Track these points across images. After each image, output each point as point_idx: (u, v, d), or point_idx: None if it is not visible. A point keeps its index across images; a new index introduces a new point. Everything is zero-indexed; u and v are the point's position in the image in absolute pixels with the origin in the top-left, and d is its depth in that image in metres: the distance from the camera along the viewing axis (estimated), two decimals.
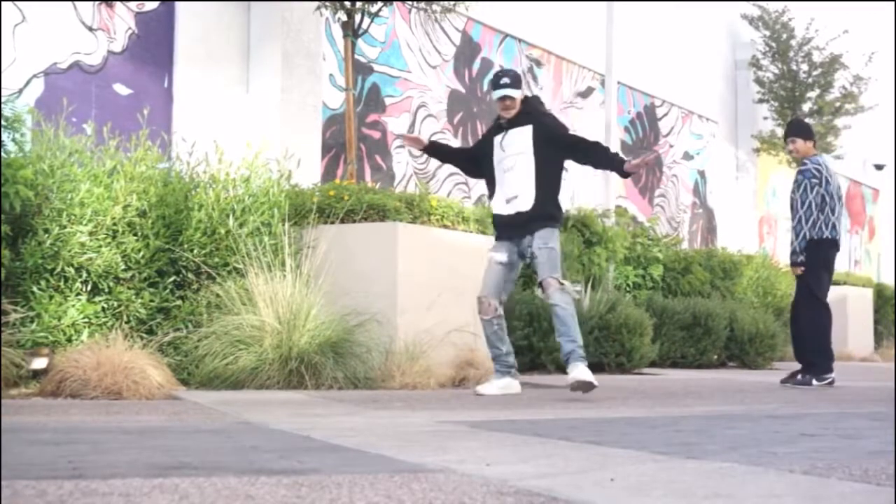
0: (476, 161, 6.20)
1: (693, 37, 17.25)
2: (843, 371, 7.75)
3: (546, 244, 5.74)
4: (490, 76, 6.15)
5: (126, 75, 8.68)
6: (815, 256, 7.18)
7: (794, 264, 7.22)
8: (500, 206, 5.89)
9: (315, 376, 5.77)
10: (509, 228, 5.86)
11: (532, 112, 5.97)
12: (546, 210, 5.80)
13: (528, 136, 5.82)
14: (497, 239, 5.97)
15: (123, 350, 5.29)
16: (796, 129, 7.61)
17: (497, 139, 5.93)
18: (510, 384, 5.84)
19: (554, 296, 5.66)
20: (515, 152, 5.84)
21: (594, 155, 5.99)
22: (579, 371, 5.50)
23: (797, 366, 7.41)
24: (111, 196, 6.04)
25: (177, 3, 9.06)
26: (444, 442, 3.27)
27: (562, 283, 5.72)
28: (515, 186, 5.81)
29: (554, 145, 5.86)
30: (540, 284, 5.82)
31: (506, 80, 5.90)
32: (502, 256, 5.85)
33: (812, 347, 7.23)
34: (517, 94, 5.91)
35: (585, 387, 5.46)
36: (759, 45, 18.19)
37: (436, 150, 6.68)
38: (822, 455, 2.93)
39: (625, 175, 5.92)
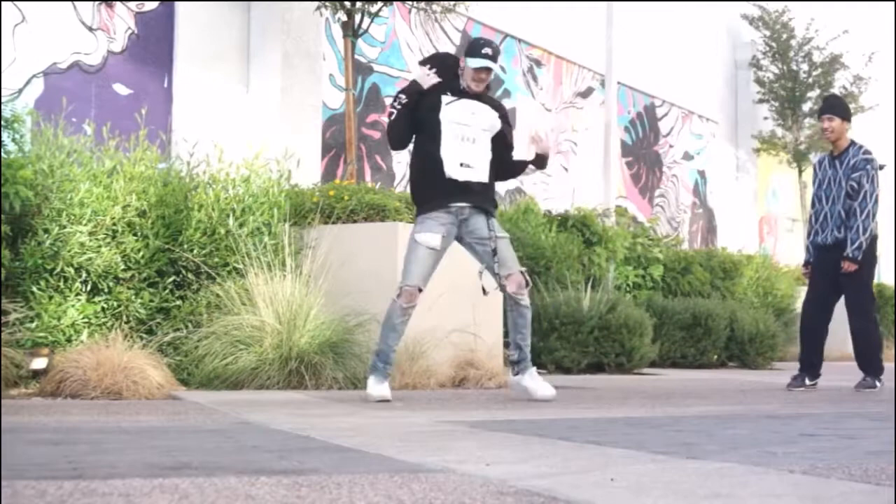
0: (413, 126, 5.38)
1: (693, 37, 17.25)
2: (844, 371, 7.73)
3: (506, 236, 5.40)
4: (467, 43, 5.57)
5: (126, 75, 8.68)
6: (872, 251, 6.88)
7: (853, 260, 6.67)
8: (453, 169, 5.22)
9: (315, 376, 5.77)
10: (460, 194, 5.23)
11: (498, 103, 5.63)
12: (494, 197, 5.44)
13: (496, 121, 5.42)
14: (429, 214, 5.24)
15: (123, 350, 5.29)
16: (836, 107, 7.01)
17: (456, 103, 5.30)
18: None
19: (526, 295, 5.37)
20: (481, 127, 5.34)
21: (508, 170, 5.65)
22: (539, 385, 5.40)
23: (795, 366, 7.31)
24: (111, 196, 6.04)
25: (177, 3, 9.06)
26: (444, 442, 3.27)
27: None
28: (474, 159, 5.29)
29: (498, 145, 5.48)
30: (506, 277, 5.28)
31: (488, 50, 5.30)
32: (435, 241, 5.20)
33: (875, 348, 6.92)
34: (496, 69, 5.45)
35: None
36: (759, 45, 18.20)
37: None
38: (822, 455, 2.93)
39: (541, 165, 5.64)
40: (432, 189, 5.27)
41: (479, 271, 5.41)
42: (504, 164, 5.56)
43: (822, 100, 7.20)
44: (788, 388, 6.86)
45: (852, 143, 6.97)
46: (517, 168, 5.75)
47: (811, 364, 6.93)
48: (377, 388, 5.17)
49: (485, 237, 5.30)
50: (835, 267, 6.76)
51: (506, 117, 5.59)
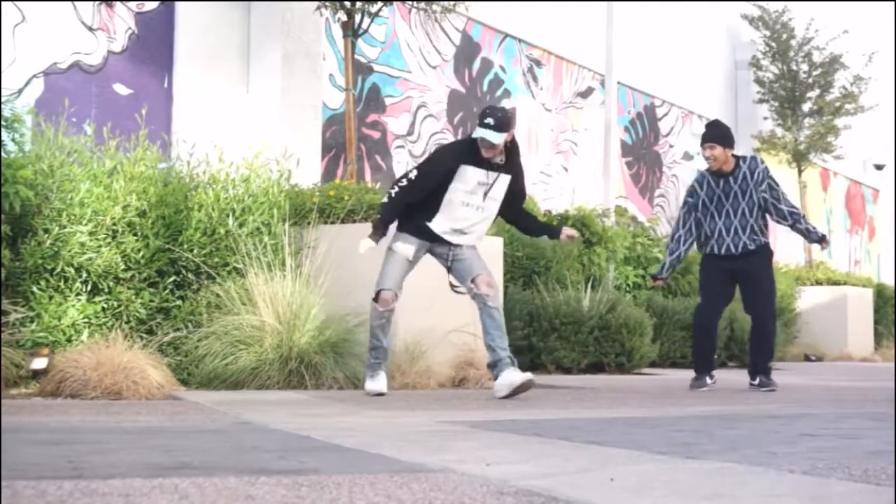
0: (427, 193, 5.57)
1: (693, 37, 17.25)
2: (843, 371, 7.74)
3: (471, 246, 5.61)
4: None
5: (126, 75, 8.68)
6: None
7: (824, 240, 6.97)
8: (441, 227, 5.51)
9: (315, 376, 5.77)
10: (435, 240, 5.58)
11: (514, 160, 5.61)
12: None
13: (506, 186, 5.57)
14: (407, 232, 5.57)
15: (123, 350, 5.29)
16: (716, 135, 6.64)
17: (476, 174, 5.46)
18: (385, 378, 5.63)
19: (495, 296, 5.52)
20: (492, 198, 5.54)
21: (530, 225, 6.02)
22: (516, 374, 5.41)
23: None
24: (111, 196, 6.04)
25: (177, 3, 9.06)
26: (444, 442, 3.27)
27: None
28: (473, 225, 5.55)
29: (510, 196, 5.64)
30: (472, 281, 5.49)
31: (490, 120, 5.32)
32: (409, 252, 5.53)
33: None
34: (499, 141, 5.34)
35: (526, 388, 5.41)
36: (759, 45, 18.19)
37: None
38: (822, 455, 2.93)
39: (557, 238, 5.96)
40: (417, 227, 5.55)
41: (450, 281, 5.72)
42: (519, 216, 5.87)
43: (706, 127, 6.91)
44: (691, 388, 6.73)
45: (742, 158, 6.78)
46: (541, 230, 6.09)
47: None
48: (373, 383, 5.55)
49: (442, 254, 5.63)
50: (732, 274, 6.97)
51: (520, 175, 5.70)
